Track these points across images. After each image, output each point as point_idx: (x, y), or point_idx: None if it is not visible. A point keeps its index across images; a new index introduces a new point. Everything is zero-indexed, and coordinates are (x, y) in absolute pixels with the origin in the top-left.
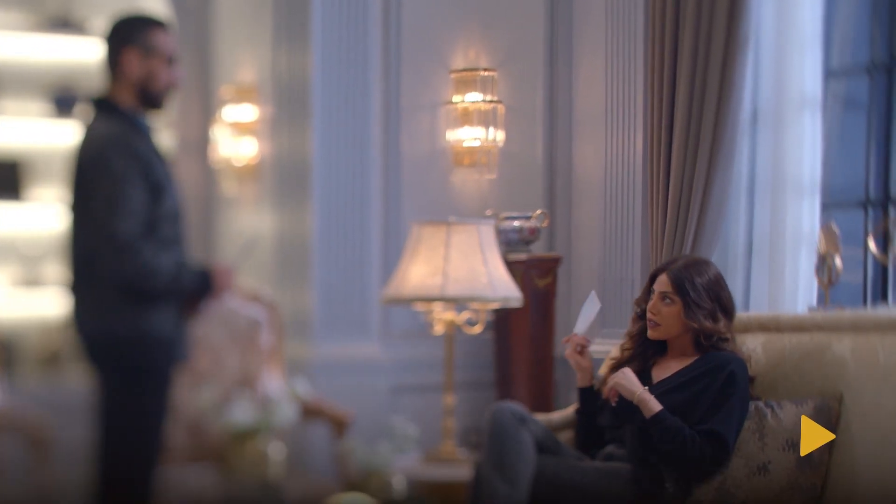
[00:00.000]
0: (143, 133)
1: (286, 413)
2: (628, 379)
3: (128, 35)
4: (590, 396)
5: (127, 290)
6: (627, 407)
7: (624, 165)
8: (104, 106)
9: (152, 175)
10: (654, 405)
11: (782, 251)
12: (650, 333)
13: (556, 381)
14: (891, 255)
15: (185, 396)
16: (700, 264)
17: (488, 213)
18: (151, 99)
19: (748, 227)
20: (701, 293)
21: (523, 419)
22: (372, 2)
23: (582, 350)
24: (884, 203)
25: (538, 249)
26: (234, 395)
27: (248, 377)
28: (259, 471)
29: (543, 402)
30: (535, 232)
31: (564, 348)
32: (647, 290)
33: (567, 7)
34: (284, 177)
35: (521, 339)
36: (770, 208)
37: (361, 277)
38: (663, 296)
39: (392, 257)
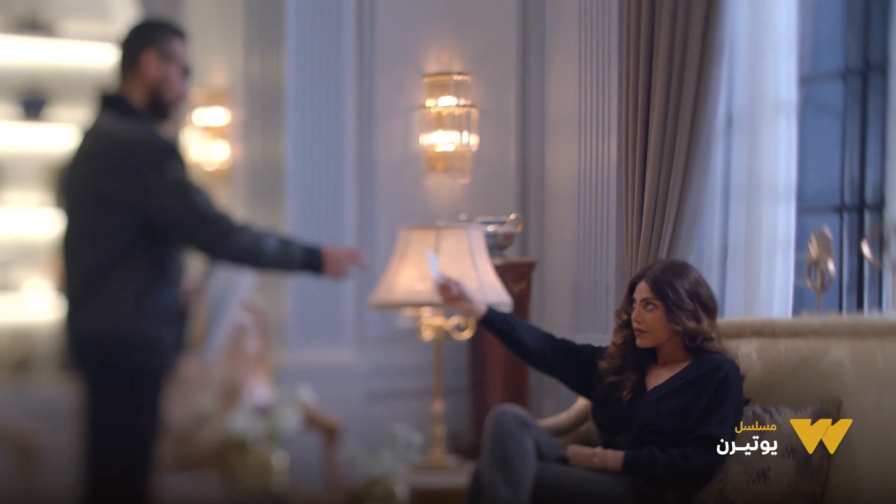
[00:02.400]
0: None
1: (292, 421)
2: (578, 452)
3: (149, 37)
4: (493, 320)
5: (238, 263)
6: (621, 415)
7: (597, 169)
8: (119, 104)
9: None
10: (615, 456)
11: (758, 256)
12: (639, 342)
13: (530, 387)
14: (866, 260)
15: (171, 404)
16: (678, 266)
17: (462, 217)
18: (161, 106)
19: (723, 231)
20: (681, 295)
21: (525, 423)
22: (346, 6)
23: (452, 294)
24: (859, 208)
25: (511, 254)
26: (235, 402)
27: (235, 384)
28: (263, 481)
29: (518, 407)
30: (509, 237)
31: None
32: (628, 300)
33: (539, 11)
34: (258, 181)
35: (495, 345)
36: (745, 213)
37: (336, 283)
38: (645, 302)
39: (366, 262)
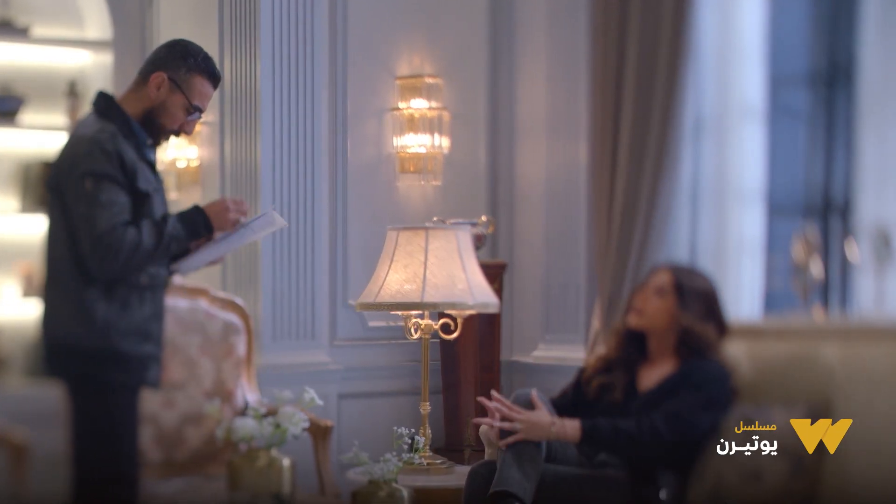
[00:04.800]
0: (138, 141)
1: (301, 423)
2: (534, 422)
3: (170, 62)
4: None
5: (119, 279)
6: (611, 416)
7: (567, 172)
8: (107, 104)
9: (137, 182)
10: (573, 425)
11: (726, 258)
12: (632, 319)
13: (501, 386)
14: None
15: (159, 406)
16: (700, 273)
17: (435, 219)
18: (152, 129)
19: (692, 234)
20: (695, 295)
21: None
22: (318, 9)
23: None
24: (825, 211)
25: (482, 256)
26: (227, 404)
27: (225, 385)
28: (271, 483)
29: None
30: (481, 238)
31: (511, 354)
32: (644, 285)
33: (509, 14)
34: (232, 183)
35: (467, 345)
36: (714, 216)
37: (310, 283)
38: (659, 289)
39: (338, 263)
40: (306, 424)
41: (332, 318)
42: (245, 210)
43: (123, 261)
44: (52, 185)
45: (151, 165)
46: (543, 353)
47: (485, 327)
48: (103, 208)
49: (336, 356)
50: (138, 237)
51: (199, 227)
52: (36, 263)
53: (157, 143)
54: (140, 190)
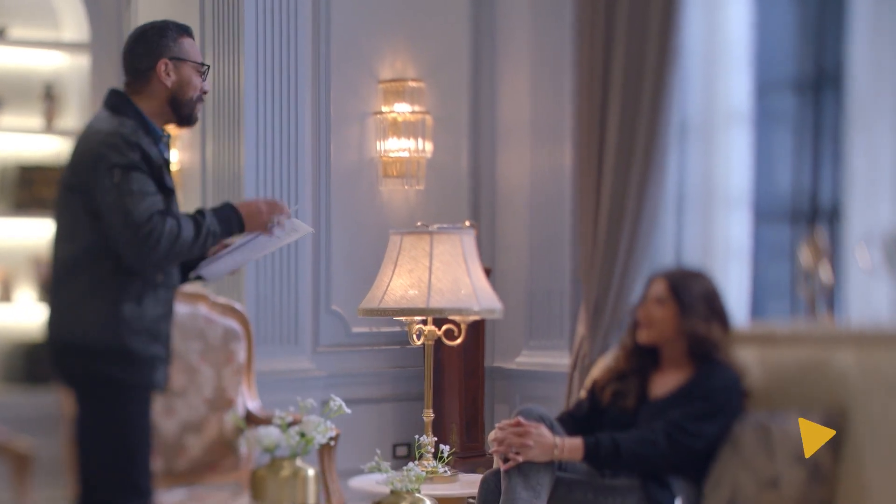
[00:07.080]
0: (155, 139)
1: (327, 433)
2: (538, 441)
3: (158, 46)
4: None
5: (159, 268)
6: (622, 422)
7: (551, 176)
8: (121, 102)
9: (164, 179)
10: (575, 444)
11: (712, 263)
12: (640, 335)
13: (485, 394)
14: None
15: (159, 414)
16: (696, 274)
17: (418, 224)
18: (184, 107)
19: (678, 239)
20: (695, 298)
21: (551, 426)
22: (301, 13)
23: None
24: (812, 217)
25: None
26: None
27: (226, 392)
28: (295, 495)
29: (474, 413)
30: None
31: (493, 360)
32: (644, 298)
33: (491, 17)
34: (214, 187)
35: (452, 351)
36: (700, 221)
37: (293, 289)
38: (658, 299)
39: (321, 268)
40: (333, 433)
41: (314, 324)
42: (284, 210)
43: (164, 251)
44: (69, 183)
45: (168, 165)
46: (526, 360)
47: (469, 333)
48: (137, 197)
49: (319, 363)
50: (177, 228)
51: (233, 225)
52: (12, 268)
53: (193, 121)
54: (167, 187)
